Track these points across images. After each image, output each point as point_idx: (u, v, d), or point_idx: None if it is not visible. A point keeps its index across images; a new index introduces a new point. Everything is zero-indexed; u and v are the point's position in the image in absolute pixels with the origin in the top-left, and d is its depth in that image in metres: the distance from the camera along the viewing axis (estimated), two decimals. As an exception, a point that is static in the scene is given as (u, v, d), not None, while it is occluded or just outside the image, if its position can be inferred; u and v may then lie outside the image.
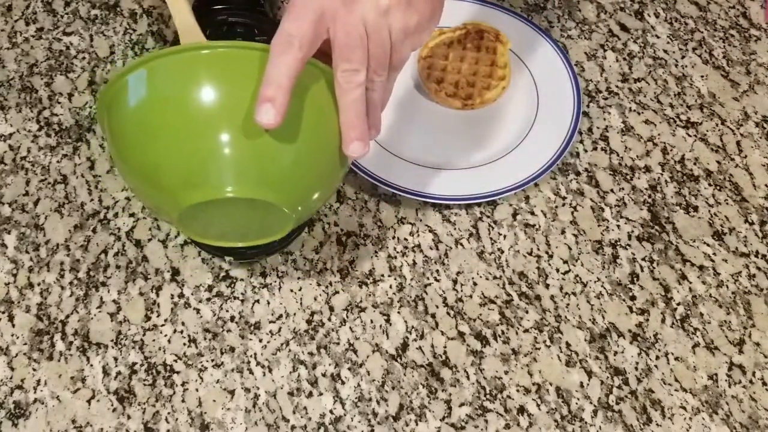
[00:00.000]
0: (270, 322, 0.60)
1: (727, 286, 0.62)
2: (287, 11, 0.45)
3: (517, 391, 0.58)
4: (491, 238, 0.64)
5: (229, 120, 0.45)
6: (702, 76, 0.73)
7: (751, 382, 0.58)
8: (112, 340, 0.59)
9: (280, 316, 0.61)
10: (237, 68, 0.46)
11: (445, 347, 0.59)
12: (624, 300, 0.61)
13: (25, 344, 0.59)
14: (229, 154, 0.45)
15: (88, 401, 0.57)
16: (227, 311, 0.61)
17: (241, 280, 0.62)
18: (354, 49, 0.46)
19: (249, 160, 0.46)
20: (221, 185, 0.46)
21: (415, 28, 0.48)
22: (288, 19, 0.45)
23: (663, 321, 0.61)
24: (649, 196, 0.66)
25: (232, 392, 0.57)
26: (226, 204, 0.47)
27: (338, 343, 0.59)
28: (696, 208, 0.66)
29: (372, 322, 0.60)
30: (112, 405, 0.57)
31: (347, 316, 0.60)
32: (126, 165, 0.49)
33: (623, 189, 0.67)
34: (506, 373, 0.58)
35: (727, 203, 0.66)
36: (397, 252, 0.63)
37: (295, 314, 0.61)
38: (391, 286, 0.62)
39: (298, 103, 0.45)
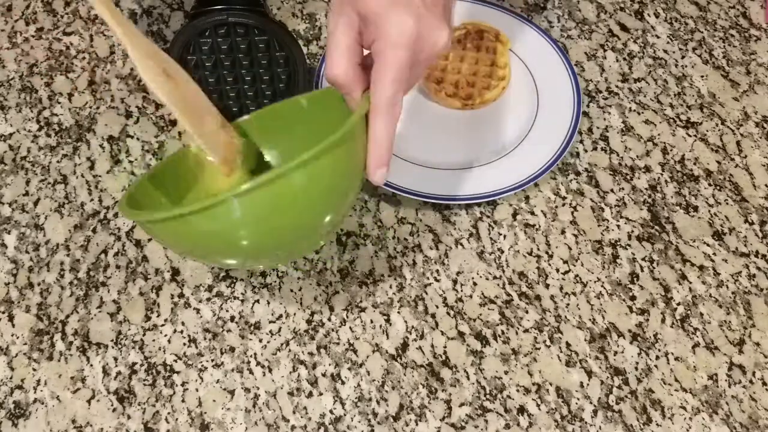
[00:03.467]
0: (270, 322, 0.60)
1: (727, 286, 0.62)
2: (390, 63, 0.46)
3: (517, 391, 0.58)
4: (491, 238, 0.64)
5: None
6: (702, 76, 0.73)
7: (751, 382, 0.58)
8: (112, 340, 0.59)
9: (280, 316, 0.61)
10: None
11: (445, 347, 0.59)
12: (624, 300, 0.61)
13: (25, 344, 0.59)
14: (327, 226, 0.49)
15: (88, 401, 0.57)
16: (227, 311, 0.61)
17: (241, 280, 0.62)
18: (404, 81, 0.47)
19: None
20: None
21: (443, 47, 0.49)
22: (393, 79, 0.46)
23: (663, 321, 0.61)
24: (649, 196, 0.66)
25: (232, 392, 0.57)
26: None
27: (338, 343, 0.59)
28: (696, 208, 0.66)
29: (372, 322, 0.60)
30: (112, 405, 0.57)
31: (347, 316, 0.60)
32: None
33: (623, 189, 0.67)
34: (506, 373, 0.58)
35: (727, 203, 0.66)
36: (397, 252, 0.63)
37: (295, 314, 0.61)
38: (391, 286, 0.62)
39: (349, 145, 0.47)
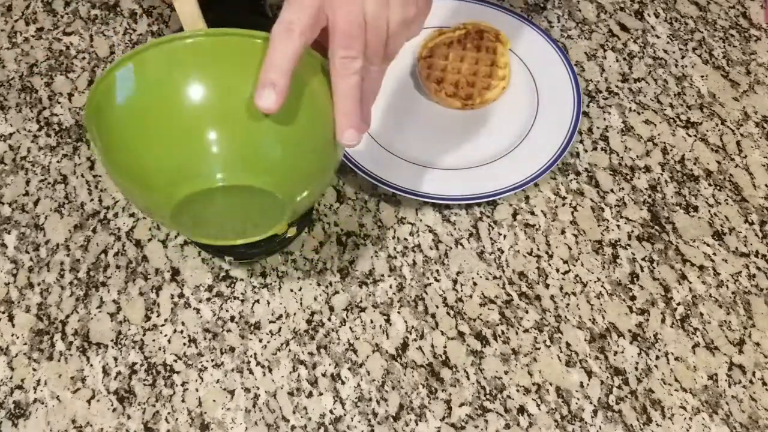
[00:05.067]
0: (270, 322, 0.60)
1: (727, 286, 0.62)
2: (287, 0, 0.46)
3: (517, 391, 0.58)
4: (491, 238, 0.64)
5: (219, 108, 0.45)
6: (702, 76, 0.73)
7: (751, 382, 0.58)
8: (112, 340, 0.59)
9: (280, 316, 0.61)
10: (225, 56, 0.45)
11: (445, 347, 0.59)
12: (624, 300, 0.61)
13: (25, 344, 0.59)
14: (219, 143, 0.44)
15: (88, 401, 0.57)
16: (227, 311, 0.61)
17: (241, 280, 0.62)
18: (353, 38, 0.47)
19: (239, 148, 0.45)
20: (211, 174, 0.45)
21: (412, 20, 0.50)
22: (288, 8, 0.46)
23: (663, 321, 0.61)
24: (649, 196, 0.66)
25: (232, 392, 0.57)
26: (219, 197, 0.46)
27: (338, 343, 0.59)
28: (696, 208, 0.66)
29: (372, 322, 0.60)
30: (112, 405, 0.57)
31: (347, 316, 0.60)
32: (115, 166, 0.48)
33: (623, 189, 0.67)
34: (506, 373, 0.58)
35: (727, 203, 0.66)
36: (397, 252, 0.63)
37: (295, 314, 0.61)
38: (391, 286, 0.62)
39: (295, 91, 0.46)
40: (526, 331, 0.60)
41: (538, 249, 0.64)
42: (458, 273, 0.62)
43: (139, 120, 0.45)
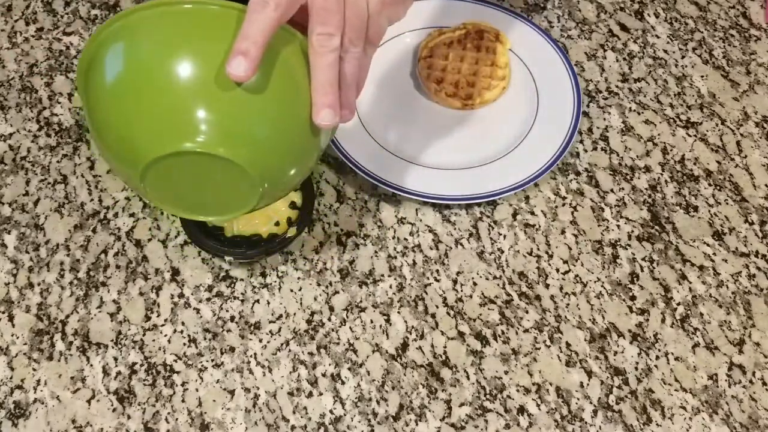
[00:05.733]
0: (270, 322, 0.60)
1: (727, 286, 0.62)
2: None
3: (517, 391, 0.58)
4: (491, 238, 0.64)
5: (194, 77, 0.45)
6: (702, 76, 0.73)
7: (751, 382, 0.58)
8: (112, 340, 0.59)
9: (280, 316, 0.61)
10: (206, 25, 0.46)
11: (445, 347, 0.59)
12: (624, 300, 0.61)
13: (25, 344, 0.59)
14: (193, 109, 0.44)
15: (88, 401, 0.57)
16: (227, 311, 0.61)
17: (241, 280, 0.62)
18: (331, 13, 0.46)
19: (214, 117, 0.45)
20: (182, 139, 0.45)
21: (393, 1, 0.49)
22: (320, 11, 0.46)
23: (663, 321, 0.61)
24: (649, 196, 0.66)
25: (232, 392, 0.57)
26: (190, 166, 0.46)
27: (338, 343, 0.59)
28: (696, 208, 0.66)
29: (372, 322, 0.60)
30: (112, 405, 0.57)
31: (347, 316, 0.60)
32: (97, 131, 0.48)
33: (623, 189, 0.67)
34: (506, 373, 0.58)
35: (727, 203, 0.66)
36: (397, 252, 0.63)
37: (295, 314, 0.61)
38: (391, 286, 0.62)
39: (270, 66, 0.46)
40: (526, 331, 0.60)
41: (538, 249, 0.64)
42: (458, 273, 0.62)
43: (121, 84, 0.46)
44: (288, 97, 0.47)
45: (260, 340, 0.59)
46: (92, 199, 0.66)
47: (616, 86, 0.73)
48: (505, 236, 0.64)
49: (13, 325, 0.60)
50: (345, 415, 0.57)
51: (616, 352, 0.59)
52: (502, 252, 0.64)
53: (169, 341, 0.59)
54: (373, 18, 0.48)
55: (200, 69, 0.45)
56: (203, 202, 0.51)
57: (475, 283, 0.62)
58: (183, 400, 0.57)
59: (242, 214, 0.51)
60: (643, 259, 0.63)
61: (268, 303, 0.61)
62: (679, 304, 0.61)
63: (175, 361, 0.59)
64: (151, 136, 0.45)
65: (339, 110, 0.48)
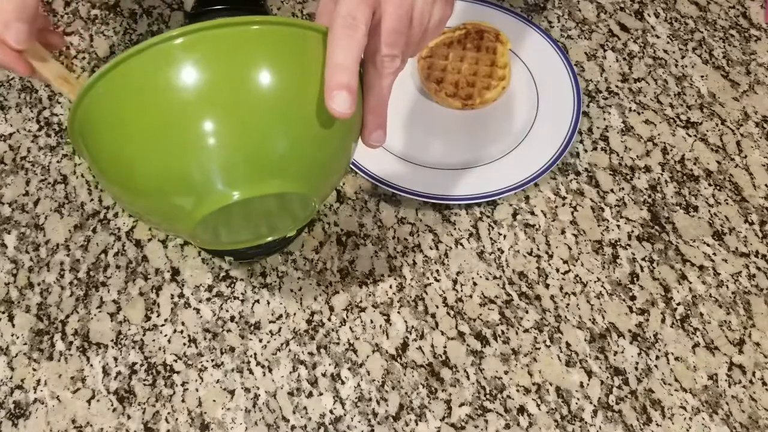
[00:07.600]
0: (270, 322, 0.60)
1: (727, 286, 0.62)
2: None
3: (517, 391, 0.58)
4: (491, 238, 0.64)
5: (221, 108, 0.39)
6: (702, 76, 0.73)
7: (751, 382, 0.58)
8: (112, 340, 0.59)
9: (280, 316, 0.61)
10: (225, 53, 0.40)
11: (445, 347, 0.59)
12: (624, 300, 0.61)
13: (25, 344, 0.59)
14: (228, 152, 0.40)
15: (88, 401, 0.57)
16: (227, 311, 0.61)
17: (241, 280, 0.62)
18: (400, 35, 0.44)
19: (252, 154, 0.40)
20: (229, 189, 0.40)
21: (446, 20, 0.49)
22: (347, 1, 0.42)
23: (663, 321, 0.61)
24: (649, 196, 0.66)
25: (232, 392, 0.57)
26: (241, 205, 0.42)
27: (338, 343, 0.59)
28: (696, 208, 0.66)
29: (372, 322, 0.60)
30: (112, 405, 0.57)
31: (347, 316, 0.60)
32: (120, 188, 0.43)
33: (623, 189, 0.67)
34: (506, 373, 0.58)
35: (727, 203, 0.66)
36: (397, 252, 0.63)
37: (295, 314, 0.61)
38: (391, 286, 0.62)
39: (301, 77, 0.41)
40: (526, 331, 0.60)
41: (538, 249, 0.64)
42: (458, 273, 0.62)
43: (137, 137, 0.40)
44: (335, 120, 0.43)
45: (260, 340, 0.59)
46: (92, 199, 0.66)
47: (616, 86, 0.73)
48: (505, 236, 0.64)
49: (13, 325, 0.60)
50: (345, 415, 0.57)
51: (616, 352, 0.59)
52: (502, 252, 0.64)
53: (169, 341, 0.59)
54: (424, 38, 0.48)
55: (225, 99, 0.40)
56: (254, 230, 0.48)
57: (475, 283, 0.62)
58: (183, 400, 0.57)
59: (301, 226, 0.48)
60: (643, 259, 0.63)
61: (268, 303, 0.61)
62: (679, 304, 0.61)
63: (175, 361, 0.59)
64: (203, 188, 0.41)
65: (386, 128, 0.46)
